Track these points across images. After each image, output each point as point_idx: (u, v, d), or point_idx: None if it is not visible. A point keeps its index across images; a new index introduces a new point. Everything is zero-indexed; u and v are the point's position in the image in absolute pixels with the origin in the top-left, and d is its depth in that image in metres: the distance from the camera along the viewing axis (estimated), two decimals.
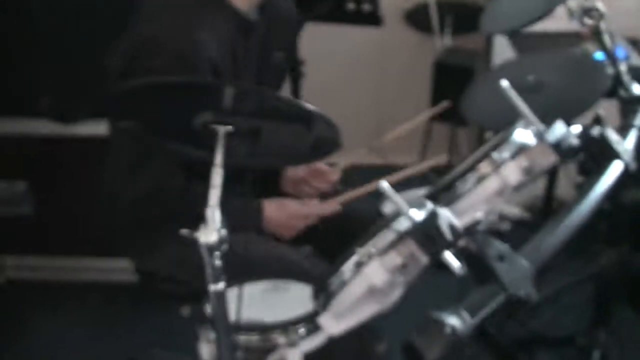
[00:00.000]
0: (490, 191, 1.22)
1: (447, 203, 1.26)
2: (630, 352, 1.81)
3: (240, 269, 1.16)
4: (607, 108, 1.44)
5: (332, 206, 1.62)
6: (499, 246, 0.91)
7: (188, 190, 1.46)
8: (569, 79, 1.59)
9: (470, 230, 0.96)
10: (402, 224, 1.03)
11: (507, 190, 1.24)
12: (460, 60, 2.29)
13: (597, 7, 1.36)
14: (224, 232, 0.90)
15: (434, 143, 3.02)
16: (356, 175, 1.94)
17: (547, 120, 1.53)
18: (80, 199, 2.10)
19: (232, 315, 1.09)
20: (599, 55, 2.04)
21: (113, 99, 1.03)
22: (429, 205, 1.10)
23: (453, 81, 2.30)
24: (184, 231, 0.91)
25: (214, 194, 0.91)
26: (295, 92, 2.51)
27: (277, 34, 1.65)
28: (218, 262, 0.92)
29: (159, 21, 1.44)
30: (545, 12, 1.28)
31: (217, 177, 0.92)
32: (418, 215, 1.03)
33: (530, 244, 0.96)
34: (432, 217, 0.98)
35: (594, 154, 1.18)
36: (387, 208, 1.49)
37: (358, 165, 2.71)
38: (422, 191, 1.50)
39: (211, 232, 0.90)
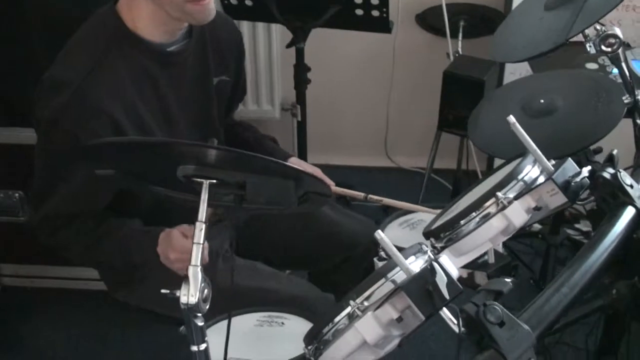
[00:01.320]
0: (495, 231, 1.17)
1: (449, 242, 1.22)
2: None
3: (228, 302, 1.11)
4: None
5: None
6: (499, 310, 0.85)
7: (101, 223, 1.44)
8: (583, 102, 1.52)
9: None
10: (398, 276, 0.98)
11: (511, 230, 1.18)
12: (469, 71, 2.21)
13: (615, 34, 1.29)
14: (207, 291, 0.86)
15: (443, 151, 2.95)
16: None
17: (558, 147, 1.47)
18: None
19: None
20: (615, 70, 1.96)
21: (91, 150, 0.98)
22: (427, 253, 1.05)
23: (463, 92, 2.25)
24: (164, 291, 0.86)
25: (196, 252, 0.86)
26: (300, 98, 2.45)
27: (217, 59, 1.61)
28: (200, 323, 0.87)
29: (67, 63, 1.41)
30: (559, 44, 1.20)
31: (200, 234, 0.86)
32: (415, 266, 0.98)
33: (533, 305, 0.90)
34: (430, 272, 0.92)
35: (605, 198, 1.12)
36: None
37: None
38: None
39: (193, 292, 0.85)
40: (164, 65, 1.49)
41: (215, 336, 1.16)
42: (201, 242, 0.87)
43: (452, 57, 2.68)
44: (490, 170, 1.39)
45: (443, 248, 1.21)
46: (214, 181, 0.89)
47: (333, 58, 3.02)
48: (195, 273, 0.86)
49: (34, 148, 1.45)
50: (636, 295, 1.44)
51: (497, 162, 2.90)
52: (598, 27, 1.30)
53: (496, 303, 0.87)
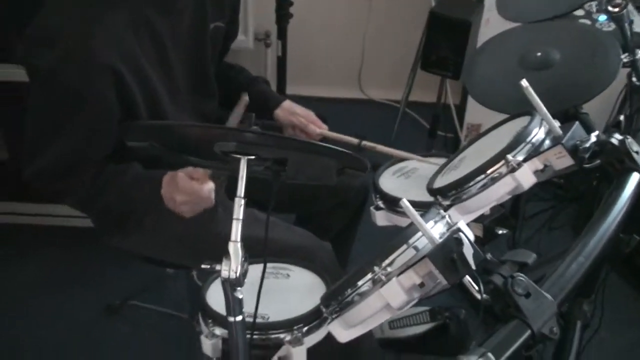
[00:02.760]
0: (503, 192, 1.20)
1: (456, 201, 1.25)
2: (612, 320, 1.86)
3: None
4: None
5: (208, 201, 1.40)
6: (525, 282, 0.89)
7: (101, 171, 1.42)
8: (580, 56, 1.54)
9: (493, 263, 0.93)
10: (420, 242, 1.01)
11: (519, 190, 1.22)
12: (456, 12, 2.20)
13: None
14: (247, 265, 0.87)
15: (417, 84, 2.97)
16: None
17: (556, 100, 1.50)
18: None
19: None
20: (601, 17, 1.98)
21: (129, 130, 0.96)
22: (446, 218, 1.08)
23: (448, 33, 2.24)
24: (204, 266, 0.86)
25: (236, 227, 0.87)
26: (281, 33, 2.41)
27: (214, 5, 1.59)
28: (239, 296, 0.88)
29: (60, 13, 1.35)
30: (575, 7, 1.21)
31: (239, 209, 0.87)
32: (435, 232, 1.01)
33: (552, 275, 0.94)
34: (456, 241, 0.95)
35: (612, 163, 1.16)
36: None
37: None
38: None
39: (234, 267, 0.85)
40: (163, 12, 1.45)
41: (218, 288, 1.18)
42: (240, 217, 0.87)
43: None
44: (490, 127, 1.40)
45: (449, 206, 1.25)
46: (252, 157, 0.88)
47: None
48: (235, 249, 0.87)
49: (24, 90, 1.39)
50: (617, 246, 1.52)
51: (471, 98, 2.94)
52: None
53: (522, 275, 0.90)
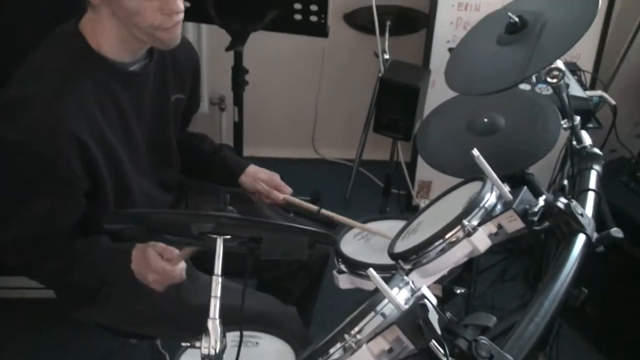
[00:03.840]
0: (460, 255, 1.27)
1: (416, 265, 1.31)
2: None
3: (196, 322, 1.14)
4: None
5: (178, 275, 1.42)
6: (488, 345, 0.95)
7: (70, 244, 1.44)
8: (523, 123, 1.64)
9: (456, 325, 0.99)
10: (388, 310, 1.06)
11: (475, 254, 1.29)
12: (405, 78, 2.31)
13: (559, 68, 1.41)
14: (225, 341, 0.90)
15: (369, 143, 3.07)
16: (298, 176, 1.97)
17: (502, 165, 1.59)
18: None
19: None
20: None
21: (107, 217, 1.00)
22: (410, 284, 1.14)
23: (398, 97, 2.35)
24: (184, 344, 0.89)
25: (214, 305, 0.90)
26: (237, 100, 2.47)
27: (175, 78, 1.65)
28: None
29: (27, 85, 1.39)
30: (518, 82, 1.31)
31: (216, 287, 0.90)
32: (400, 298, 1.06)
33: (512, 338, 1.00)
34: (421, 308, 1.01)
35: (559, 225, 1.24)
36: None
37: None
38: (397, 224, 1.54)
39: (214, 344, 0.89)
40: (126, 85, 1.49)
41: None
42: (218, 295, 0.91)
43: (380, 56, 2.78)
44: (441, 193, 1.48)
45: (411, 270, 1.31)
46: (229, 237, 0.93)
47: (264, 56, 3.05)
48: (214, 326, 0.90)
49: None
50: (567, 300, 1.60)
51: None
52: None
53: (484, 338, 0.96)
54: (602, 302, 2.39)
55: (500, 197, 1.29)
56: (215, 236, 0.92)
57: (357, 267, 1.51)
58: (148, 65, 1.54)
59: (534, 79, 2.09)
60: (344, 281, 1.55)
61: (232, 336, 1.39)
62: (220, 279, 0.92)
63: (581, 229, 1.21)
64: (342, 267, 1.55)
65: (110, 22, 1.40)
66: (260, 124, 3.17)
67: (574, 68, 2.32)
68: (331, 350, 1.06)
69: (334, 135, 3.40)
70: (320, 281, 1.94)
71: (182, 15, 1.41)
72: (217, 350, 0.89)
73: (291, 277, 1.89)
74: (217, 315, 0.91)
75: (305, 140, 3.41)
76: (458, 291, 1.56)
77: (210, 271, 1.64)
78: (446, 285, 1.56)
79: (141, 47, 1.49)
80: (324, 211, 1.73)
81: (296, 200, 1.77)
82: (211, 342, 0.89)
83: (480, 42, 1.56)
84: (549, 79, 1.43)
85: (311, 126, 3.37)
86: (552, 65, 1.41)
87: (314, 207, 1.74)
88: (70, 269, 1.43)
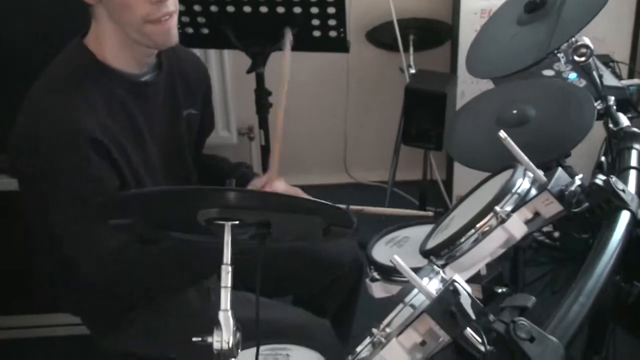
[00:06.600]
0: (495, 245, 1.19)
1: (450, 260, 1.23)
2: None
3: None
4: None
5: None
6: (528, 326, 0.87)
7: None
8: (555, 111, 1.57)
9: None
10: (418, 300, 0.98)
11: (512, 242, 1.21)
12: (430, 85, 2.26)
13: (587, 44, 1.34)
14: (239, 335, 0.84)
15: (402, 163, 3.00)
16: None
17: (535, 156, 1.51)
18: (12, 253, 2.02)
19: None
20: (572, 75, 2.03)
21: (106, 205, 0.96)
22: (440, 273, 1.06)
23: (425, 106, 2.29)
24: (195, 339, 0.84)
25: (225, 296, 0.84)
26: (262, 123, 2.44)
27: (186, 92, 1.63)
28: None
29: (37, 107, 1.39)
30: (541, 58, 1.24)
31: (227, 276, 0.85)
32: (431, 288, 0.98)
33: (555, 318, 0.91)
34: (452, 293, 0.93)
35: (600, 204, 1.15)
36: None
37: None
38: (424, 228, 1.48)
39: (226, 337, 0.83)
40: (136, 95, 1.48)
41: None
42: (229, 285, 0.85)
43: (405, 71, 2.73)
44: (474, 186, 1.41)
45: (444, 266, 1.23)
46: (237, 222, 0.88)
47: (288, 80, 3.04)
48: (226, 318, 0.84)
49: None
50: (619, 296, 1.49)
51: (457, 170, 2.97)
52: None
53: (523, 319, 0.88)
54: None
55: (534, 180, 1.21)
56: (222, 222, 0.87)
57: (390, 273, 1.44)
58: (158, 77, 1.54)
59: (564, 72, 2.01)
60: (378, 289, 1.47)
61: (263, 350, 1.34)
62: (230, 268, 0.86)
63: (624, 205, 1.12)
64: (375, 274, 1.48)
65: (109, 25, 1.41)
66: (288, 150, 3.13)
67: (606, 60, 2.23)
68: (358, 349, 0.99)
69: (366, 157, 3.34)
70: (356, 295, 1.86)
71: (172, 9, 1.40)
72: (231, 344, 0.83)
73: (326, 292, 1.82)
74: (228, 307, 0.85)
75: (337, 165, 3.36)
76: (500, 290, 1.47)
77: (243, 287, 1.61)
78: (486, 286, 1.47)
79: (145, 54, 1.48)
80: (352, 207, 1.66)
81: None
82: (223, 336, 0.83)
83: (500, 27, 1.49)
84: (576, 57, 1.35)
85: (342, 149, 3.32)
86: (579, 43, 1.34)
87: (341, 206, 1.67)
88: (161, 261, 1.40)
